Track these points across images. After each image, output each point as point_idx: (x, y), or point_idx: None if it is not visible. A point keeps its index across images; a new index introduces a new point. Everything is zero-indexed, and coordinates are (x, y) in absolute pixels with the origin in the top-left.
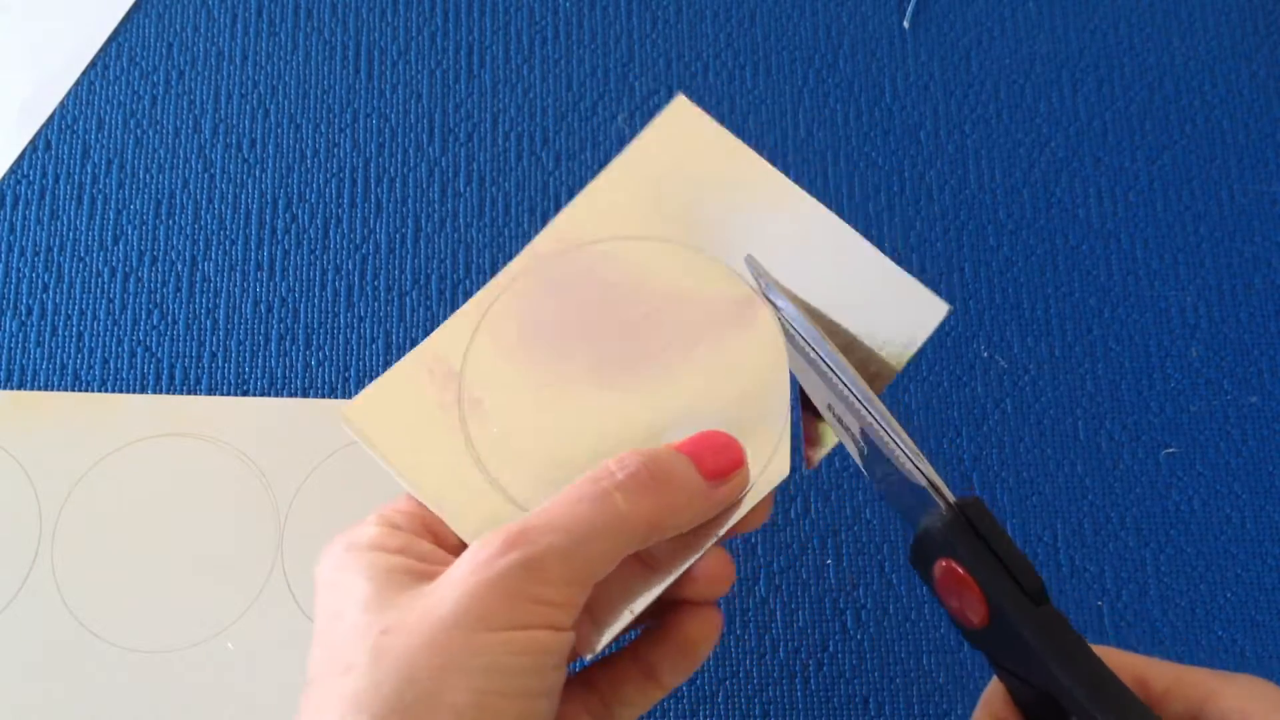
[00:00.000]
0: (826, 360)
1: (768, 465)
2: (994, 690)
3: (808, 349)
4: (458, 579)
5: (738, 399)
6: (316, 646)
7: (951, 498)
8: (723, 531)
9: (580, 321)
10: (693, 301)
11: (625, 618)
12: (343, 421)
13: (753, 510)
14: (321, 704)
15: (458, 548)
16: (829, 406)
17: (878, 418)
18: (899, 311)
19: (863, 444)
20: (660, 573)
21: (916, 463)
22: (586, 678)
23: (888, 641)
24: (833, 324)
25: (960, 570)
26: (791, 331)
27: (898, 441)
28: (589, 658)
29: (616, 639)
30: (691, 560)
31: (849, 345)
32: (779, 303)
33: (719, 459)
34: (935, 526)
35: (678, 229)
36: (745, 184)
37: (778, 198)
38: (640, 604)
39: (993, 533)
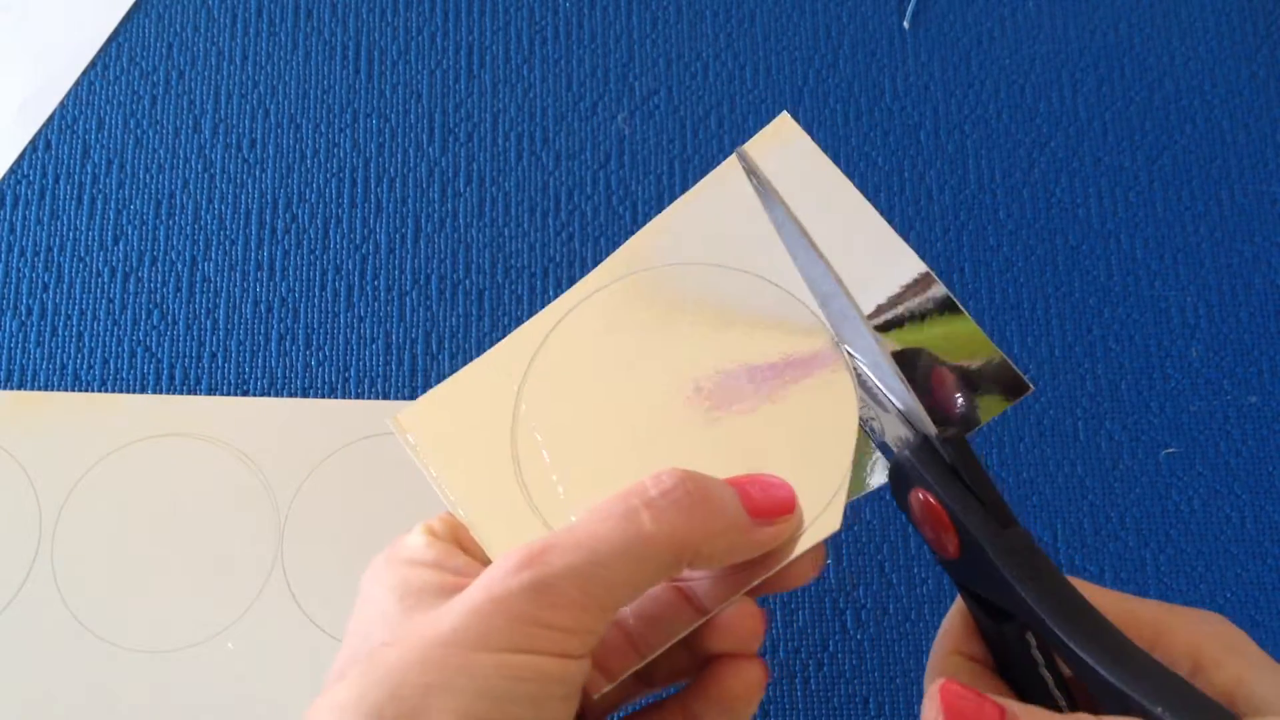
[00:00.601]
0: (829, 282)
1: (820, 516)
2: (954, 621)
3: (817, 275)
4: (468, 596)
5: (801, 445)
6: (337, 658)
7: (932, 429)
8: (763, 577)
9: (646, 349)
10: (768, 341)
11: (632, 660)
12: (392, 426)
13: (799, 562)
14: (315, 710)
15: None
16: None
17: (864, 344)
18: (874, 258)
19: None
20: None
21: (889, 393)
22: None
23: (888, 641)
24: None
25: (932, 500)
26: (795, 250)
27: (885, 366)
28: (595, 696)
29: (629, 689)
30: (728, 604)
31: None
32: (778, 215)
33: (767, 496)
34: (906, 457)
35: (759, 258)
36: (839, 218)
37: (872, 236)
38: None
39: (962, 460)
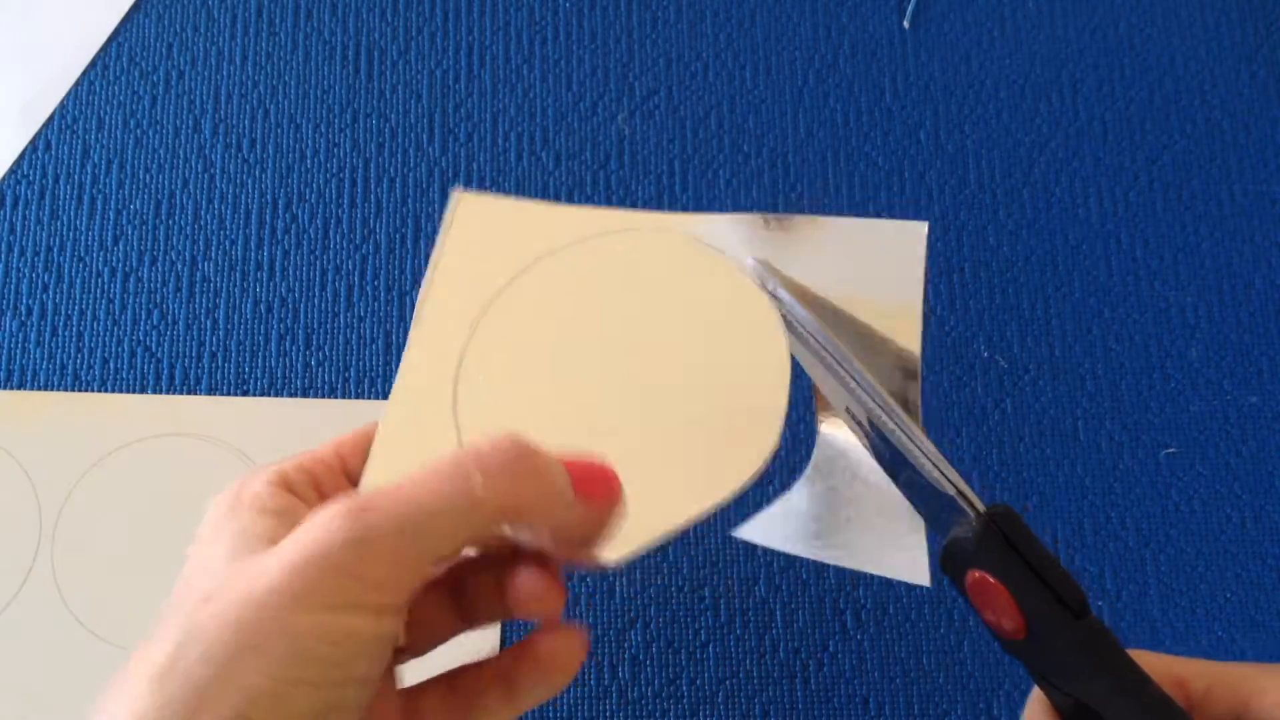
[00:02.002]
0: (840, 362)
1: (750, 463)
2: (1036, 701)
3: (822, 351)
4: (285, 548)
5: (732, 398)
6: (166, 603)
7: (981, 506)
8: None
9: (574, 318)
10: (689, 294)
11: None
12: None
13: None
14: (132, 669)
15: None
16: (846, 409)
17: (898, 421)
18: (885, 256)
19: (881, 447)
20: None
21: (942, 469)
22: (451, 678)
23: (888, 641)
24: (841, 314)
25: (993, 582)
26: (804, 334)
27: (920, 446)
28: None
29: (448, 626)
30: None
31: (867, 340)
32: (786, 300)
33: (595, 481)
34: (965, 536)
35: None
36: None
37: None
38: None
39: (1026, 543)
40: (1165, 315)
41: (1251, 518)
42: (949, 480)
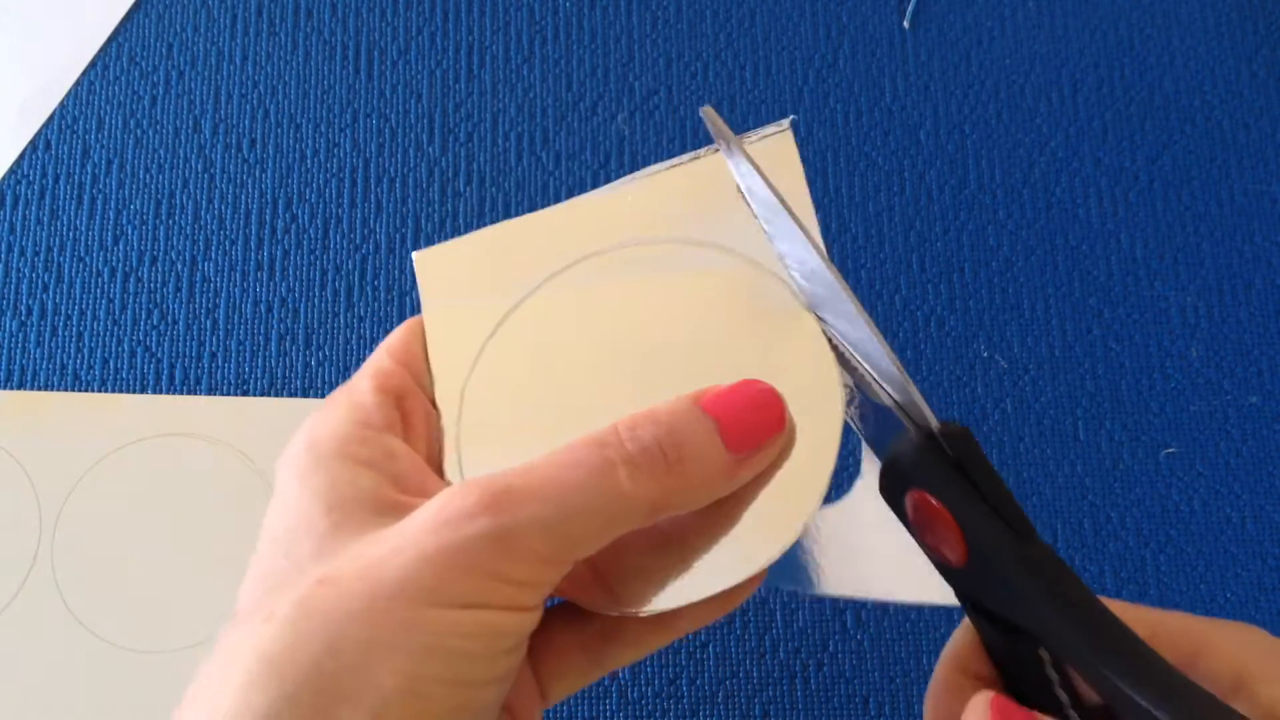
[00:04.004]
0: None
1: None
2: (962, 639)
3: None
4: (416, 534)
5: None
6: (253, 570)
7: (935, 422)
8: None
9: (597, 338)
10: (733, 314)
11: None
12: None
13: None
14: (234, 653)
15: (434, 444)
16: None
17: (854, 327)
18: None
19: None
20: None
21: (884, 381)
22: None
23: (888, 641)
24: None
25: (934, 503)
26: (759, 217)
27: (858, 356)
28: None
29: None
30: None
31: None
32: (743, 169)
33: (753, 422)
34: (905, 453)
35: (725, 233)
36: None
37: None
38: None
39: (970, 459)
40: (1165, 315)
41: (1251, 518)
42: (887, 391)
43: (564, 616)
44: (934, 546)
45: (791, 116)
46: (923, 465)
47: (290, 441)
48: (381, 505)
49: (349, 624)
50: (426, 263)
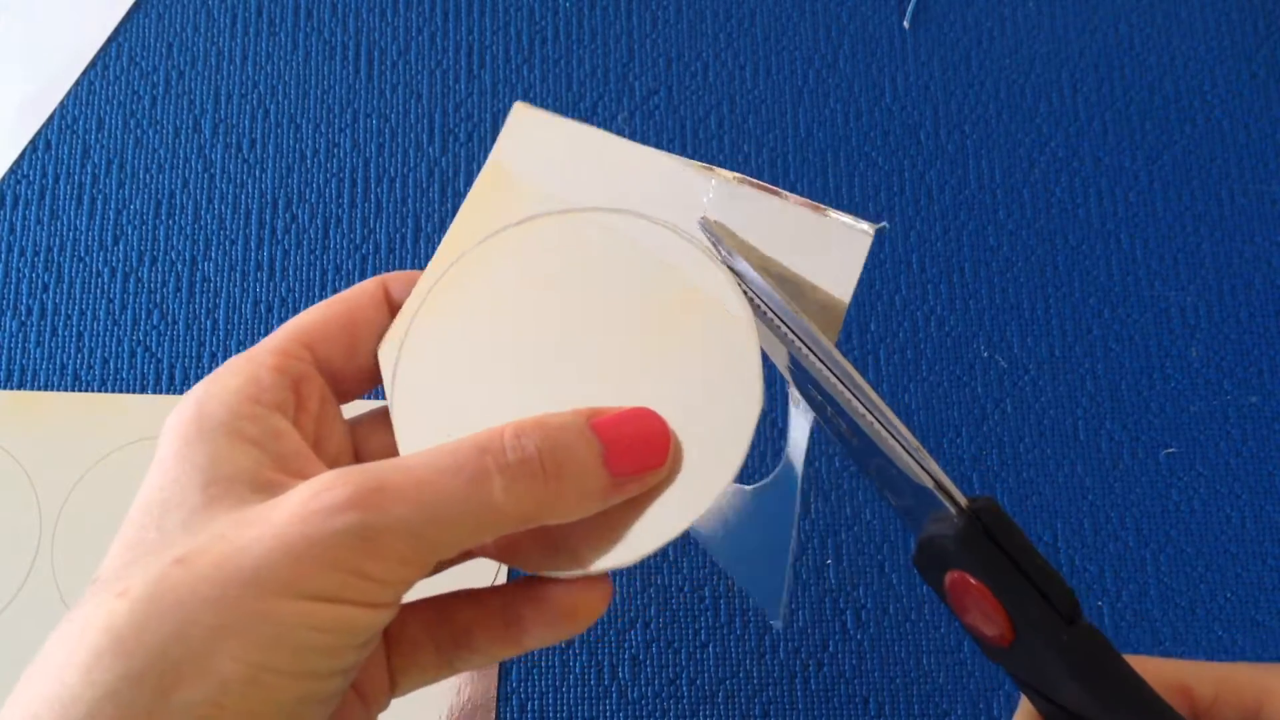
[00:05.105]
0: (802, 338)
1: (720, 465)
2: (1024, 714)
3: (778, 323)
4: (281, 521)
5: (698, 386)
6: (120, 537)
7: (963, 500)
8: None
9: (515, 309)
10: (642, 277)
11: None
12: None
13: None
14: (85, 625)
15: (321, 433)
16: (809, 389)
17: (869, 405)
18: (827, 252)
19: (849, 433)
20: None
21: (918, 458)
22: (442, 605)
23: (888, 641)
24: (787, 273)
25: (976, 583)
26: (760, 305)
27: (894, 432)
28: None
29: None
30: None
31: (797, 291)
32: (740, 268)
33: (637, 456)
34: (944, 534)
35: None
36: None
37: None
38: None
39: (1013, 541)
40: (1165, 315)
41: (1251, 518)
42: (926, 471)
43: (423, 615)
44: (975, 626)
45: (883, 224)
46: (963, 545)
47: (179, 403)
48: (259, 484)
49: (200, 609)
50: (521, 118)
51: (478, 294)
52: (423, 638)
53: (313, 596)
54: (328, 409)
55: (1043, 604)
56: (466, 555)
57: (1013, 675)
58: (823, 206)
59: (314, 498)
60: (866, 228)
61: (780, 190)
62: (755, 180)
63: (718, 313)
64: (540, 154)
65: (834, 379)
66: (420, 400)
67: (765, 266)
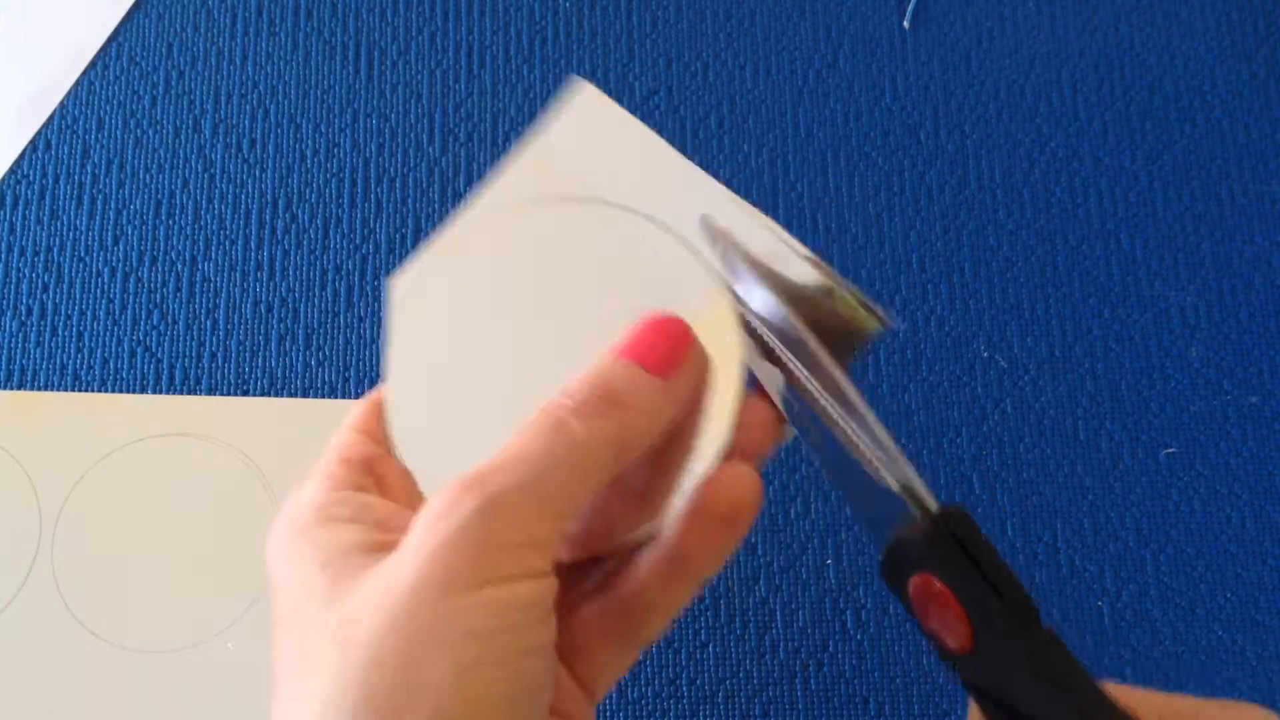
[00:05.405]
0: (786, 334)
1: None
2: None
3: (763, 329)
4: (415, 543)
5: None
6: (276, 649)
7: (934, 505)
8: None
9: (507, 300)
10: (634, 275)
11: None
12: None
13: (747, 429)
14: (289, 713)
15: (412, 496)
16: (785, 401)
17: (842, 407)
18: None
19: (823, 442)
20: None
21: (886, 465)
22: (605, 586)
23: (888, 641)
24: (797, 287)
25: (939, 586)
26: (746, 313)
27: (873, 440)
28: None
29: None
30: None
31: (817, 310)
32: (743, 277)
33: (669, 349)
34: (910, 537)
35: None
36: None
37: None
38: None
39: (976, 543)
40: (1165, 315)
41: (1251, 518)
42: (892, 476)
43: (583, 615)
44: (936, 633)
45: (893, 323)
46: (930, 548)
47: (270, 530)
48: (371, 547)
49: (383, 639)
50: (587, 95)
51: (492, 265)
52: (590, 635)
53: (473, 585)
54: (408, 479)
55: (1003, 608)
56: (620, 551)
57: (964, 681)
58: (837, 288)
59: (431, 509)
60: (880, 318)
61: (820, 261)
62: (799, 244)
63: (715, 342)
64: (590, 138)
65: (821, 393)
66: (416, 378)
67: (774, 274)
